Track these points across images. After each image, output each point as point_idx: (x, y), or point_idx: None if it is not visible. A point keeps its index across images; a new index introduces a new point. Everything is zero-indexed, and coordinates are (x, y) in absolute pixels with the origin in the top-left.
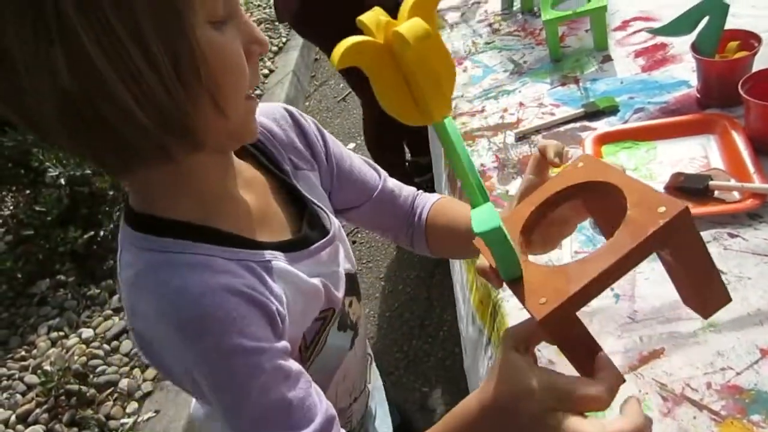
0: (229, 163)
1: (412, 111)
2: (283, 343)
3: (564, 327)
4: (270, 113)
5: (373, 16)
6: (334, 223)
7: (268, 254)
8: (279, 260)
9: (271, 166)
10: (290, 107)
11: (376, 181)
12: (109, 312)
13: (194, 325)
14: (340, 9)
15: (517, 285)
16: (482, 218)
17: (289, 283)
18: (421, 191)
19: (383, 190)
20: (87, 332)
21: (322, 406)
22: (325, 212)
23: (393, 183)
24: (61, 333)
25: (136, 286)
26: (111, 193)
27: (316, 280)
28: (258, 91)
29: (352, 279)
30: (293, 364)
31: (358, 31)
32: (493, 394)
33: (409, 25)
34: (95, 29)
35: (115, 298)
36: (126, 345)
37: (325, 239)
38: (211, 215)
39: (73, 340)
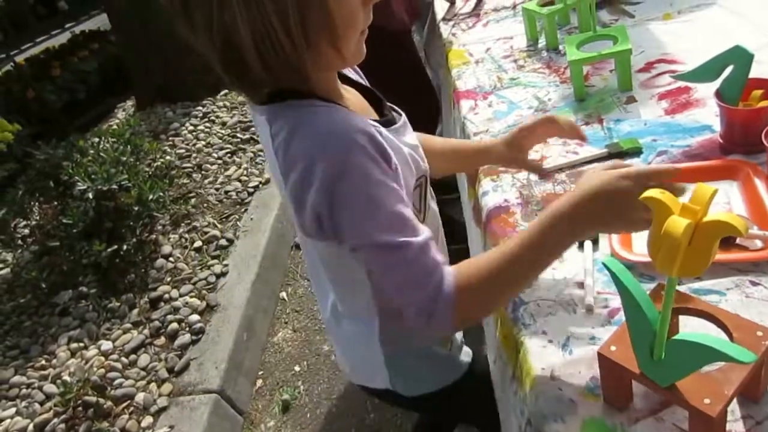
0: (334, 75)
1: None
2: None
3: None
4: None
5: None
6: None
7: (377, 125)
8: (384, 131)
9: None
10: None
11: None
12: (129, 325)
13: (341, 154)
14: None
15: (674, 390)
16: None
17: (393, 147)
18: None
19: None
20: (106, 344)
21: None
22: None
23: None
24: (81, 344)
25: (292, 137)
26: (136, 208)
27: (410, 149)
28: None
29: (419, 162)
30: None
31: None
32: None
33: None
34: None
35: (135, 311)
36: (144, 359)
37: (402, 120)
38: (339, 99)
39: (92, 351)
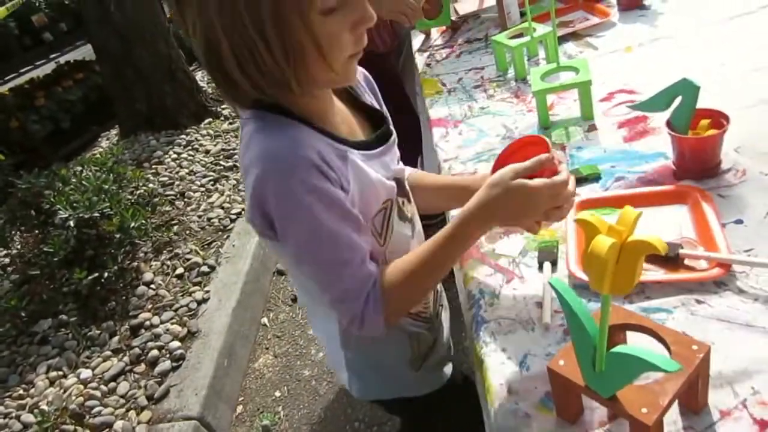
0: (326, 92)
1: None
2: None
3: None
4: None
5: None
6: (393, 135)
7: (348, 149)
8: (354, 155)
9: (357, 98)
10: (367, 73)
11: None
12: (109, 353)
13: (287, 170)
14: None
15: (615, 401)
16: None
17: (358, 172)
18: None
19: None
20: (85, 372)
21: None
22: (389, 124)
23: None
24: (60, 372)
25: (248, 146)
26: (118, 235)
27: (378, 175)
28: None
29: (400, 182)
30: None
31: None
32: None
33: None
34: (224, 5)
35: (115, 339)
36: (123, 386)
37: (386, 144)
38: (318, 118)
39: (71, 380)
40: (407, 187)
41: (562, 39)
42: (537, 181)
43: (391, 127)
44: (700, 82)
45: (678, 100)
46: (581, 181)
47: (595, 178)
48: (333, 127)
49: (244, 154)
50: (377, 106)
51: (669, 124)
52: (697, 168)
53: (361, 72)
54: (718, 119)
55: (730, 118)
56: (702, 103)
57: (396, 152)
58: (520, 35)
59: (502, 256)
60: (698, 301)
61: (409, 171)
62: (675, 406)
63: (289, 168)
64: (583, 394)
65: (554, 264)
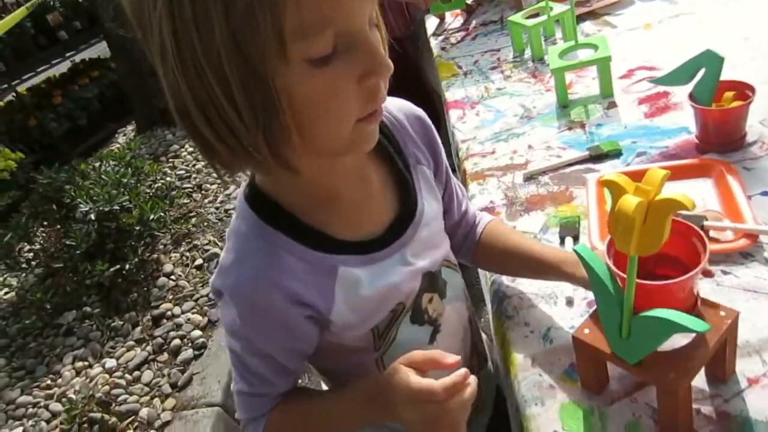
0: (340, 161)
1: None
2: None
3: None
4: (403, 108)
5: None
6: (432, 220)
7: (340, 260)
8: (348, 266)
9: (395, 156)
10: (421, 112)
11: (462, 203)
12: (132, 343)
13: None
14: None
15: (642, 367)
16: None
17: (350, 287)
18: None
19: (466, 212)
20: (110, 362)
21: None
22: (422, 207)
23: (466, 202)
24: (86, 363)
25: (234, 238)
26: (137, 228)
27: (388, 280)
28: None
29: (432, 276)
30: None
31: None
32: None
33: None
34: (183, 56)
35: (138, 329)
36: (147, 375)
37: (406, 232)
38: (312, 207)
39: (96, 369)
40: (442, 279)
41: (580, 18)
42: (402, 382)
43: (421, 202)
44: (723, 55)
45: (701, 73)
46: (602, 157)
47: (616, 154)
48: (333, 219)
49: (228, 239)
50: (423, 161)
51: (692, 96)
52: (722, 141)
53: (411, 113)
54: (743, 91)
55: (756, 89)
56: (725, 76)
57: (435, 233)
58: (536, 15)
59: (523, 232)
60: (724, 272)
61: (485, 222)
62: (702, 375)
63: (246, 301)
64: (609, 361)
65: (576, 239)
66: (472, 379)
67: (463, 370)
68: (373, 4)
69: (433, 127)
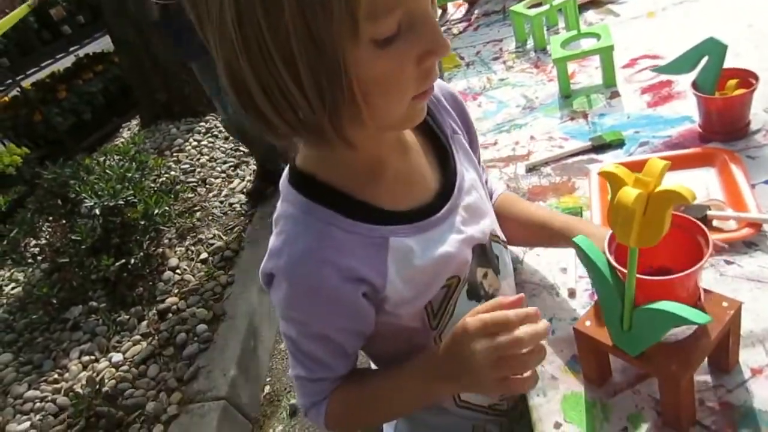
0: (386, 134)
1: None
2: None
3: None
4: (437, 84)
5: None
6: (472, 188)
7: (390, 231)
8: (399, 236)
9: (434, 127)
10: (452, 88)
11: (483, 175)
12: (138, 337)
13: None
14: None
15: (644, 359)
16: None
17: (402, 258)
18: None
19: (487, 182)
20: (117, 356)
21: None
22: (462, 173)
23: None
24: (92, 357)
25: (284, 221)
26: (142, 222)
27: (440, 250)
28: None
29: (482, 249)
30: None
31: None
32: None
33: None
34: (245, 32)
35: (144, 323)
36: (153, 369)
37: (450, 201)
38: (360, 182)
39: (103, 363)
40: (493, 254)
41: (582, 7)
42: (474, 319)
43: (461, 169)
44: (727, 42)
45: (704, 61)
46: (604, 147)
47: (619, 144)
48: (382, 191)
49: (275, 224)
50: (461, 133)
51: (695, 85)
52: (725, 129)
53: (445, 89)
54: (747, 79)
55: (760, 78)
56: (728, 64)
57: (479, 201)
58: (539, 5)
59: None
60: (727, 262)
61: (498, 192)
62: (705, 366)
63: (299, 281)
64: (610, 353)
65: None
66: (544, 321)
67: (535, 308)
68: None
69: (464, 102)
